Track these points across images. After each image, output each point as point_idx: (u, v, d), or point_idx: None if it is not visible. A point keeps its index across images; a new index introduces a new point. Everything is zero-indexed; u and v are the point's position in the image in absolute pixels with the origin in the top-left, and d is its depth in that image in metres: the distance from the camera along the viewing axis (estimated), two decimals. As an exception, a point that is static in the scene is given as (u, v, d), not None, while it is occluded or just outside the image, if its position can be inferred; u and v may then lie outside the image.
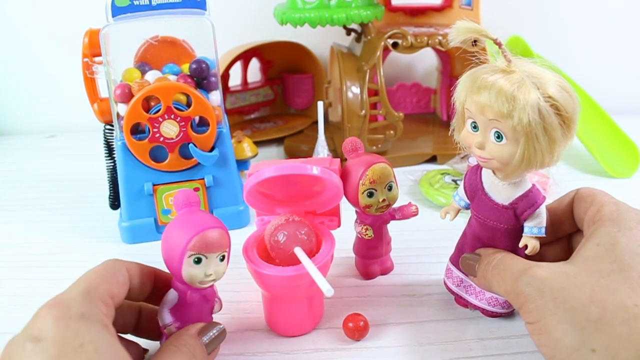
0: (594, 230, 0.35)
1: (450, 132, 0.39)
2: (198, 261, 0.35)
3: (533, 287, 0.33)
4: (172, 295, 0.36)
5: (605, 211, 0.36)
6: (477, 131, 0.35)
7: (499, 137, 0.34)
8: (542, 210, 0.37)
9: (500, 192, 0.38)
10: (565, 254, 0.42)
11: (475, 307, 0.43)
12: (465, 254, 0.41)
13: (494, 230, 0.39)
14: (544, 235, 0.37)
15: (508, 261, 0.37)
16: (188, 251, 0.34)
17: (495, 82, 0.33)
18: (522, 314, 0.34)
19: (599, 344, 0.30)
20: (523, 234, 0.38)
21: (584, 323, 0.30)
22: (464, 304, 0.44)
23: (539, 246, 0.37)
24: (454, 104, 0.37)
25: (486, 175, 0.39)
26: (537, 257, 0.39)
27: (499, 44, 0.34)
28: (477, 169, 0.40)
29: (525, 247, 0.38)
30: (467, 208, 0.42)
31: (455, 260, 0.44)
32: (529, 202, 0.37)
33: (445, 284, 0.45)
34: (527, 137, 0.33)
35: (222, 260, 0.36)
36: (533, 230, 0.37)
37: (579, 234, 0.40)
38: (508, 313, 0.42)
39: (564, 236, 0.42)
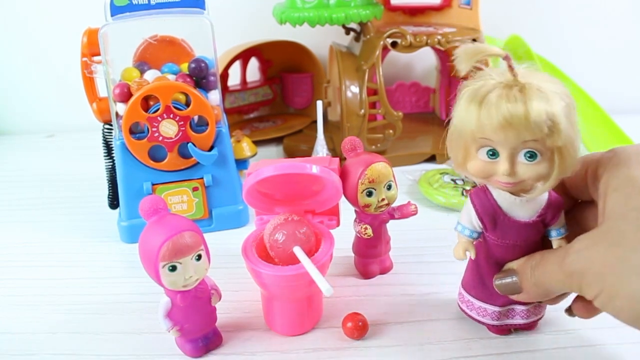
0: (606, 180, 0.33)
1: (449, 166, 0.37)
2: (173, 269, 0.34)
3: (581, 261, 0.32)
4: (164, 300, 0.37)
5: (614, 160, 0.33)
6: (496, 158, 0.33)
7: (532, 156, 0.32)
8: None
9: (524, 209, 0.35)
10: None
11: (520, 327, 0.40)
12: (497, 278, 0.37)
13: (522, 248, 0.36)
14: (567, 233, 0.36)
15: (547, 256, 0.35)
16: (160, 262, 0.34)
17: (527, 102, 0.30)
18: (585, 291, 0.32)
19: None
20: (552, 239, 0.36)
21: None
22: (507, 330, 0.41)
23: None
24: (451, 135, 0.34)
25: (501, 197, 0.36)
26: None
27: (508, 59, 0.32)
28: (485, 193, 0.36)
29: None
30: (477, 238, 0.38)
31: (482, 295, 0.39)
32: (556, 207, 0.35)
33: (475, 319, 0.41)
34: (563, 148, 0.31)
35: (199, 259, 0.36)
36: (561, 232, 0.36)
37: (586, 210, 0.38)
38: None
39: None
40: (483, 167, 0.34)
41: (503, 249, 0.37)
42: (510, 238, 0.36)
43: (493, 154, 0.33)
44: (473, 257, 0.38)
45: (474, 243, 0.38)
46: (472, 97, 0.32)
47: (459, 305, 0.42)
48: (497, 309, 0.39)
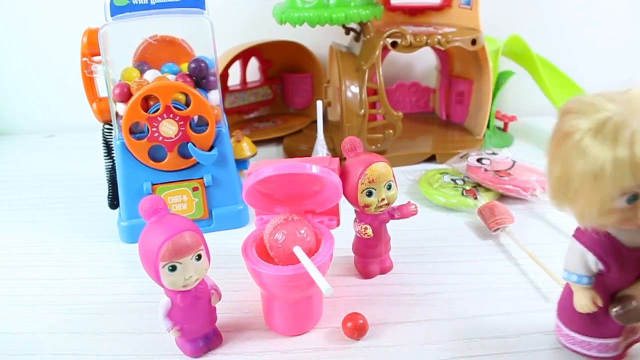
0: None
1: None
2: (173, 269, 0.35)
3: None
4: (164, 300, 0.37)
5: None
6: (636, 202, 0.29)
7: None
8: None
9: None
10: None
11: (635, 342, 0.38)
12: (615, 309, 0.34)
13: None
14: None
15: None
16: (160, 262, 0.34)
17: None
18: None
19: None
20: None
21: None
22: (625, 353, 0.38)
23: None
24: (570, 187, 0.30)
25: (624, 234, 0.33)
26: None
27: None
28: (598, 233, 0.33)
29: None
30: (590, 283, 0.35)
31: (598, 332, 0.37)
32: None
33: (596, 357, 0.38)
34: None
35: (199, 259, 0.36)
36: None
37: None
38: None
39: None
40: (624, 216, 0.30)
41: (622, 282, 0.34)
42: (636, 271, 0.33)
43: (635, 198, 0.29)
44: (601, 305, 0.34)
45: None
46: (608, 140, 0.28)
47: (568, 347, 0.38)
48: (617, 340, 0.37)
